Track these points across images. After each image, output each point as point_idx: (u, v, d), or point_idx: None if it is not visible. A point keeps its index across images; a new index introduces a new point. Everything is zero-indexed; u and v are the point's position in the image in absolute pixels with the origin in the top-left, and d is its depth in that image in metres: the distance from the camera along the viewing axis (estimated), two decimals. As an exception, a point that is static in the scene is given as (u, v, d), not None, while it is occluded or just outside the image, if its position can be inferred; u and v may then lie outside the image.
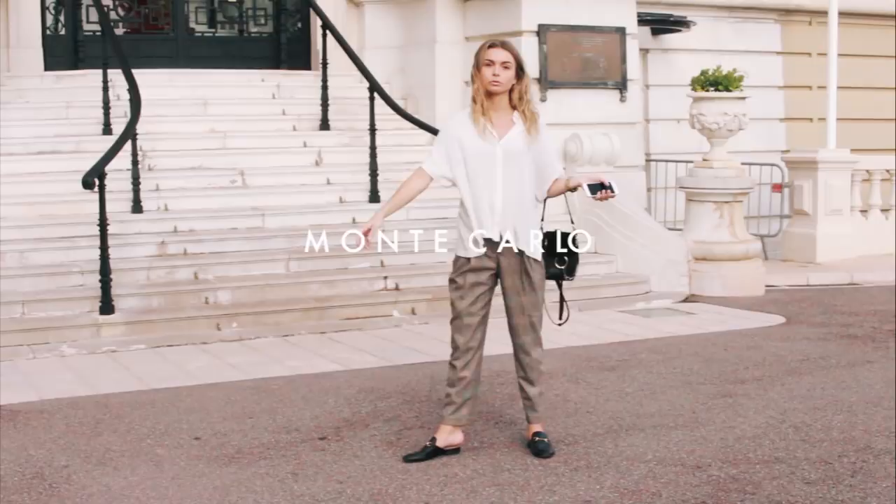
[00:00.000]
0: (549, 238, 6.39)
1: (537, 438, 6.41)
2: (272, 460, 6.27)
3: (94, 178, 9.34)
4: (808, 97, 16.11)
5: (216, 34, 14.25)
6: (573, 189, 6.33)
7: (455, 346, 6.33)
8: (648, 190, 14.24)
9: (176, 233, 10.75)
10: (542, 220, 6.36)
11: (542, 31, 12.51)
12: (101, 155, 9.81)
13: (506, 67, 6.05)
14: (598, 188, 6.21)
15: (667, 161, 14.20)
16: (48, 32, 13.00)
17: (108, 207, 9.51)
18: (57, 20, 13.13)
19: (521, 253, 6.23)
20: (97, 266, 9.47)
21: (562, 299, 6.58)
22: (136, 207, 10.77)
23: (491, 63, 6.04)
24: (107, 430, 6.88)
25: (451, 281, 6.31)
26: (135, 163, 10.69)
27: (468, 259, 6.24)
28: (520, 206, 6.19)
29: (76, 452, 6.44)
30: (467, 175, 6.19)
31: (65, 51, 13.04)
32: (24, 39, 12.61)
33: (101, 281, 9.44)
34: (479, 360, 6.39)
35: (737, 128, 12.39)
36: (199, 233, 10.82)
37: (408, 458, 6.25)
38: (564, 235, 6.44)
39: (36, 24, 12.72)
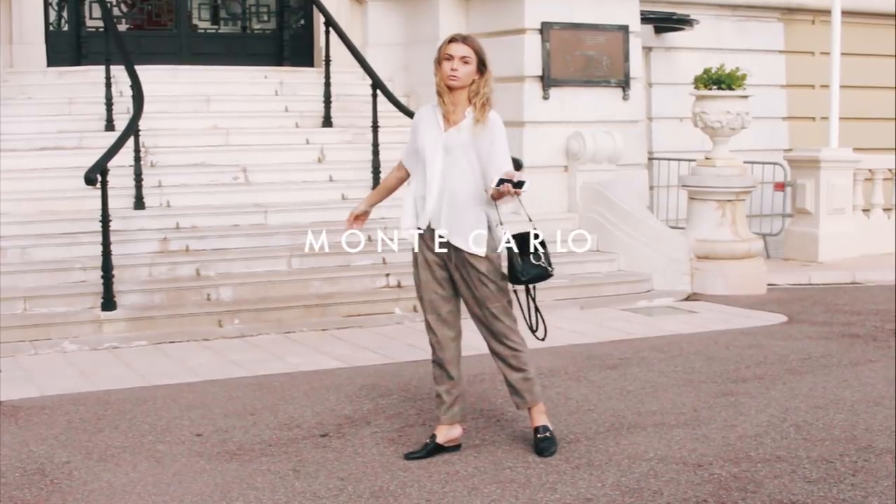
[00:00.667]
0: (518, 240, 6.21)
1: (539, 435, 6.39)
2: (273, 457, 6.27)
3: (97, 175, 9.33)
4: (810, 96, 16.11)
5: (219, 31, 14.24)
6: (497, 198, 6.07)
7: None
8: (651, 188, 14.24)
9: (178, 229, 10.75)
10: (501, 223, 6.18)
11: (544, 28, 12.48)
12: (103, 151, 9.82)
13: (465, 62, 6.00)
14: (504, 182, 5.86)
15: (669, 159, 14.19)
16: (51, 28, 12.99)
17: (111, 204, 9.51)
18: (60, 16, 13.13)
19: (459, 251, 6.13)
20: (99, 262, 9.47)
21: (536, 310, 6.36)
22: (139, 204, 10.77)
23: (450, 58, 6.01)
24: (108, 427, 6.88)
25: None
26: (137, 159, 10.69)
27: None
28: (457, 200, 6.08)
29: (77, 448, 6.45)
30: (419, 165, 6.20)
31: (68, 47, 13.03)
32: (27, 35, 12.60)
33: (102, 277, 9.44)
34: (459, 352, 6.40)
35: (739, 126, 12.38)
36: (201, 229, 10.81)
37: (409, 456, 6.25)
38: (525, 238, 6.23)
39: (39, 19, 12.71)
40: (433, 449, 6.28)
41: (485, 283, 6.15)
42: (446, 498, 5.61)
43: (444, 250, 6.17)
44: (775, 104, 15.93)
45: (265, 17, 14.32)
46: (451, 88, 6.06)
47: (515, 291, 6.32)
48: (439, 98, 6.12)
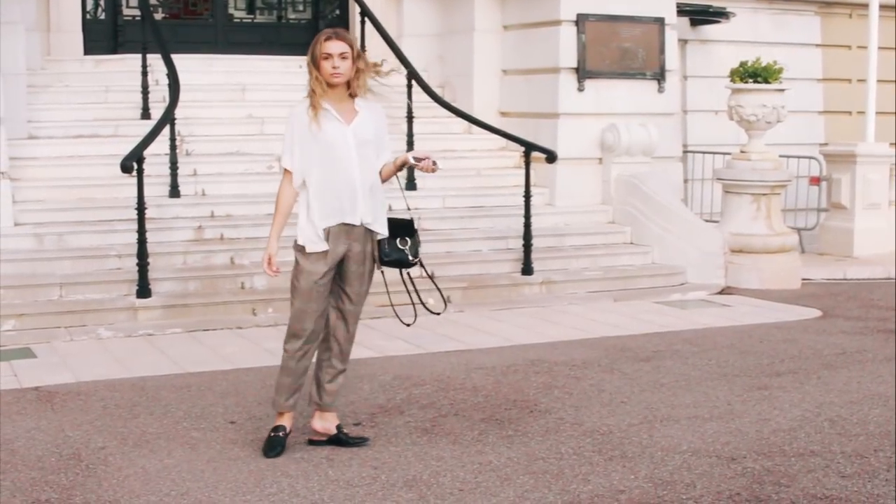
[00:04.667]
0: (392, 224, 6.28)
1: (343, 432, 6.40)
2: (307, 445, 6.28)
3: (133, 163, 9.36)
4: (847, 90, 16.00)
5: (255, 20, 14.29)
6: (402, 167, 6.28)
7: (296, 335, 6.29)
8: (685, 181, 14.17)
9: (213, 217, 10.78)
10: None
11: (580, 20, 12.45)
12: (139, 139, 9.86)
13: (343, 58, 6.00)
14: (424, 159, 6.15)
15: (704, 153, 14.13)
16: (88, 17, 13.04)
17: (146, 192, 9.55)
18: (97, 4, 13.18)
19: (371, 239, 6.18)
20: (134, 250, 9.52)
21: (416, 290, 6.46)
22: (174, 192, 10.81)
23: (329, 56, 6.00)
24: (143, 413, 6.92)
25: (297, 269, 6.23)
26: (173, 147, 10.72)
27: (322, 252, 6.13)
28: (373, 189, 6.14)
29: (113, 434, 6.48)
30: (320, 164, 6.08)
31: (104, 35, 13.09)
32: (65, 24, 12.66)
33: (138, 265, 9.49)
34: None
35: (775, 120, 12.32)
36: (235, 218, 10.84)
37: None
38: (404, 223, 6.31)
39: (76, 8, 12.77)
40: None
41: (370, 280, 6.32)
42: (479, 488, 5.62)
43: (353, 243, 6.15)
44: (811, 98, 15.82)
45: (300, 7, 14.35)
46: (332, 85, 6.04)
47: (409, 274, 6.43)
48: (314, 96, 6.04)
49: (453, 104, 12.54)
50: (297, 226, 6.20)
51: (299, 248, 6.18)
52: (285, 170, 6.24)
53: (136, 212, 9.46)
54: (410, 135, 11.79)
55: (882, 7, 14.18)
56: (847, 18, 16.12)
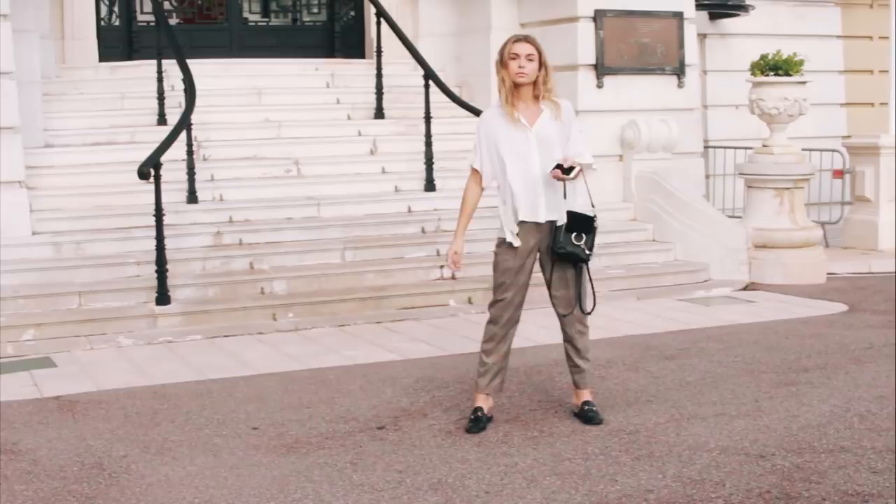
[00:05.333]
0: (573, 217, 6.54)
1: (586, 407, 6.73)
2: (331, 450, 6.24)
3: (150, 169, 9.34)
4: (869, 82, 15.90)
5: (270, 24, 14.26)
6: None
7: (497, 322, 6.63)
8: (707, 177, 14.09)
9: (231, 223, 10.75)
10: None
11: (598, 16, 12.38)
12: (156, 145, 9.82)
13: (530, 60, 6.37)
14: (556, 168, 6.35)
15: (725, 147, 14.05)
16: (102, 23, 13.03)
17: (164, 198, 9.51)
18: (111, 11, 13.18)
19: (558, 230, 6.49)
20: (153, 257, 9.48)
21: (591, 282, 6.74)
22: (192, 198, 10.78)
23: (516, 56, 6.37)
24: (164, 421, 6.88)
25: (495, 260, 6.63)
26: (190, 153, 10.70)
27: (511, 244, 6.52)
28: (556, 187, 6.45)
29: (135, 442, 6.45)
30: (508, 164, 6.47)
31: (119, 41, 13.08)
32: (79, 30, 12.64)
33: (157, 271, 9.45)
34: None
35: (797, 113, 12.22)
36: (254, 223, 10.81)
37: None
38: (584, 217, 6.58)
39: (90, 14, 12.76)
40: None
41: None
42: (505, 490, 5.56)
43: (543, 238, 6.54)
44: (833, 90, 15.72)
45: (315, 9, 14.32)
46: (518, 85, 6.42)
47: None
48: (501, 96, 6.46)
49: (471, 103, 12.47)
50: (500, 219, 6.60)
51: (499, 242, 6.61)
52: (473, 168, 6.65)
53: (153, 218, 9.42)
54: (428, 135, 11.72)
55: (903, -4, 14.07)
56: (868, 9, 16.01)
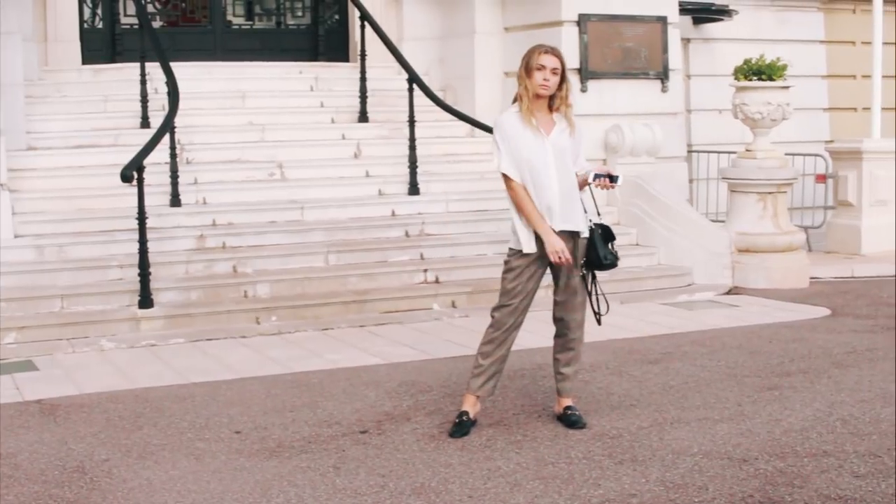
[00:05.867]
0: (603, 228, 6.70)
1: (569, 411, 6.77)
2: (313, 454, 6.23)
3: (133, 172, 9.31)
4: (852, 87, 15.94)
5: (254, 26, 14.25)
6: (586, 182, 6.63)
7: (500, 327, 6.62)
8: (690, 181, 14.10)
9: (214, 226, 10.72)
10: (586, 211, 6.66)
11: (582, 21, 12.39)
12: (139, 148, 9.80)
13: (554, 73, 6.42)
14: (601, 177, 6.53)
15: (709, 152, 14.08)
16: (86, 26, 13.00)
17: (147, 201, 9.49)
18: (94, 13, 13.15)
19: (576, 237, 6.57)
20: (136, 260, 9.46)
21: (600, 293, 6.81)
22: (175, 201, 10.75)
23: (542, 68, 6.41)
24: (147, 424, 6.85)
25: (507, 266, 6.65)
26: (173, 156, 10.66)
27: (522, 251, 6.56)
28: (571, 195, 6.52)
29: (116, 446, 6.42)
30: (524, 171, 6.51)
31: (102, 44, 13.05)
32: (62, 33, 12.60)
33: (139, 275, 9.42)
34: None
35: (780, 117, 12.25)
36: (237, 226, 10.78)
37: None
38: (603, 228, 6.73)
39: (73, 17, 12.72)
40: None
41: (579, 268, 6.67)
42: (488, 494, 5.55)
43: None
44: (816, 95, 15.77)
45: (300, 13, 14.31)
46: (538, 97, 6.47)
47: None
48: (521, 104, 6.49)
49: (455, 107, 12.48)
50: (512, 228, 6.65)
51: (511, 252, 6.63)
52: (504, 175, 6.57)
53: (136, 221, 9.39)
54: (412, 139, 11.71)
55: (886, 2, 14.08)
56: (850, 14, 16.07)
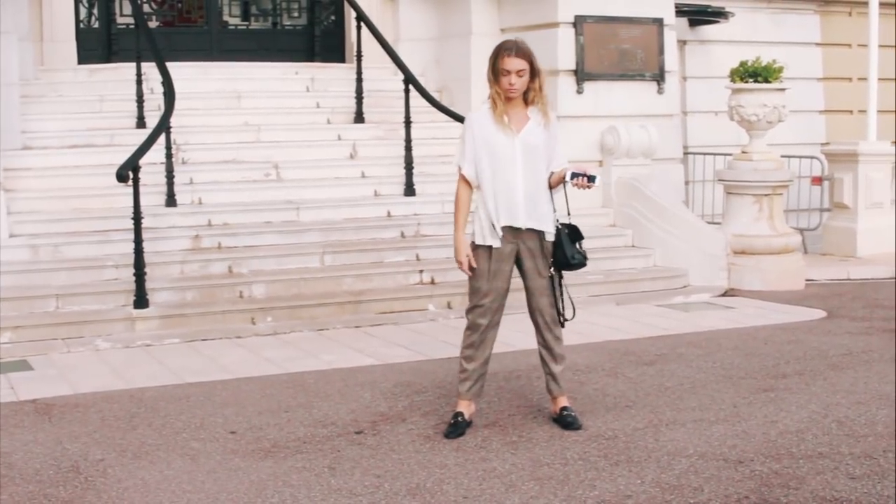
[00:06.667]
0: (570, 227, 6.68)
1: (565, 412, 6.73)
2: (309, 454, 6.22)
3: (129, 172, 9.29)
4: (847, 89, 15.95)
5: (250, 27, 14.22)
6: (562, 180, 6.56)
7: (475, 329, 6.63)
8: (686, 183, 14.11)
9: (210, 226, 10.71)
10: (554, 210, 6.63)
11: (578, 22, 12.39)
12: (134, 148, 9.78)
13: (520, 75, 6.38)
14: (579, 176, 6.44)
15: (705, 154, 14.08)
16: (81, 26, 12.97)
17: (142, 201, 9.47)
18: (90, 13, 13.11)
19: (542, 236, 6.56)
20: (131, 260, 9.44)
21: (560, 293, 6.76)
22: (170, 201, 10.74)
23: (507, 73, 6.36)
24: (142, 424, 6.84)
25: (470, 268, 6.58)
26: (169, 156, 10.66)
27: (489, 247, 6.53)
28: (538, 194, 6.50)
29: (111, 446, 6.41)
30: (491, 168, 6.48)
31: (98, 44, 13.02)
32: (58, 33, 12.58)
33: (135, 275, 9.40)
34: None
35: (776, 119, 12.25)
36: (233, 226, 10.77)
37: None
38: (571, 228, 6.71)
39: (69, 17, 12.70)
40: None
41: (548, 271, 6.64)
42: (484, 495, 5.54)
43: (521, 242, 6.56)
44: (812, 97, 15.78)
45: (296, 13, 14.28)
46: (509, 99, 6.44)
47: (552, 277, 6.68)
48: (494, 105, 6.46)
49: (451, 108, 12.46)
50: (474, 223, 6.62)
51: (473, 247, 6.57)
52: (461, 171, 6.61)
53: (132, 221, 9.38)
54: (408, 140, 11.70)
55: (882, 5, 14.10)
56: (846, 17, 16.09)
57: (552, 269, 6.63)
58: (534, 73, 6.42)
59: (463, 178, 6.60)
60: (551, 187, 6.58)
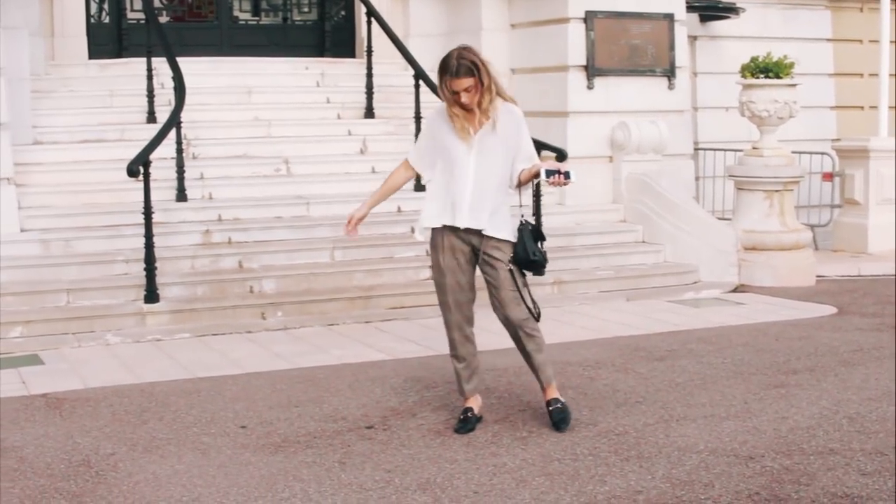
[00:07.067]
0: (533, 227, 6.57)
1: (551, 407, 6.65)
2: (319, 449, 6.22)
3: (139, 167, 9.29)
4: (858, 85, 15.91)
5: (260, 22, 14.21)
6: (535, 177, 6.45)
7: (449, 327, 6.64)
8: (697, 179, 14.08)
9: (220, 221, 10.72)
10: (521, 205, 6.50)
11: (589, 17, 12.36)
12: (145, 143, 9.78)
13: (468, 91, 6.21)
14: (554, 173, 6.29)
15: (715, 150, 14.05)
16: (92, 21, 12.99)
17: (153, 196, 9.47)
18: (101, 8, 13.12)
19: (483, 238, 6.44)
20: (142, 254, 9.45)
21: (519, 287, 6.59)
22: (181, 196, 10.76)
23: (455, 93, 6.23)
24: (152, 419, 6.85)
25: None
26: (179, 151, 10.67)
27: (442, 239, 6.47)
28: (486, 195, 6.36)
29: (122, 440, 6.41)
30: (440, 168, 6.43)
31: (109, 39, 13.03)
32: (69, 28, 12.59)
33: (145, 269, 9.41)
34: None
35: (787, 115, 12.22)
36: (243, 221, 10.78)
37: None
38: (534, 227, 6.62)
39: (80, 12, 12.71)
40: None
41: (504, 267, 6.45)
42: (494, 490, 5.54)
43: (473, 239, 6.45)
44: (823, 93, 15.73)
45: (306, 8, 14.28)
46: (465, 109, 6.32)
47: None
48: (450, 109, 6.34)
49: (461, 104, 12.43)
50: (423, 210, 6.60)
51: (430, 244, 6.58)
52: (407, 161, 6.64)
53: (142, 216, 9.38)
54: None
55: (893, 0, 14.04)
56: (858, 12, 16.04)
57: (510, 264, 6.47)
58: (483, 80, 6.22)
59: (406, 163, 6.62)
60: (521, 184, 6.48)
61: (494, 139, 6.33)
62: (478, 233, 6.41)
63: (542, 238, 6.55)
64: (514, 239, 6.42)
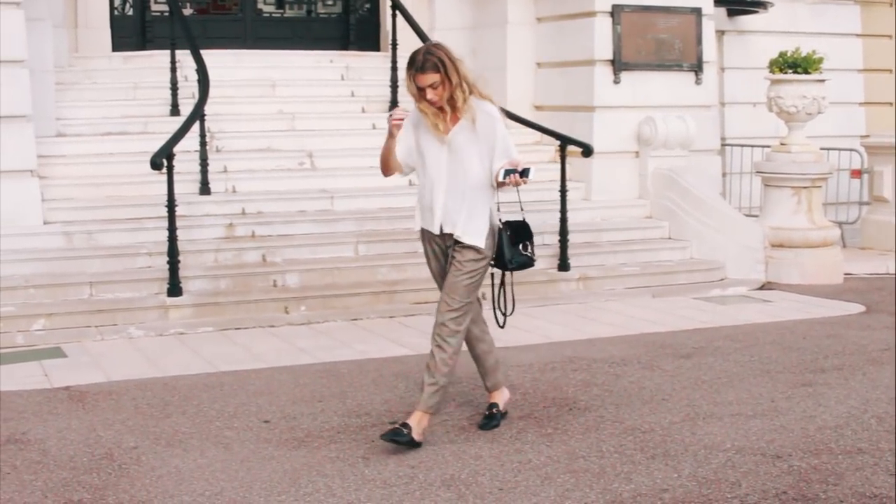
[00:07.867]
0: (513, 227, 6.40)
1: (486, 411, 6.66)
2: (342, 444, 6.19)
3: (163, 159, 9.27)
4: (888, 81, 15.79)
5: (284, 15, 14.19)
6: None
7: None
8: (724, 175, 13.97)
9: (244, 215, 10.69)
10: (499, 204, 6.38)
11: (615, 11, 12.28)
12: (168, 136, 9.77)
13: (434, 88, 6.07)
14: (512, 172, 6.05)
15: (742, 145, 13.95)
16: (116, 13, 12.98)
17: (176, 189, 9.43)
18: (125, 1, 13.11)
19: (504, 245, 6.34)
20: (165, 248, 9.42)
21: (505, 296, 6.63)
22: (204, 189, 10.73)
23: (421, 90, 6.10)
24: (175, 412, 6.83)
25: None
26: (203, 144, 10.65)
27: (428, 242, 6.42)
28: (461, 197, 6.20)
29: (145, 434, 6.40)
30: (419, 168, 6.36)
31: (133, 31, 13.04)
32: (93, 20, 12.59)
33: (168, 263, 9.39)
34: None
35: (816, 111, 12.12)
36: (267, 215, 10.75)
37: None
38: (518, 226, 6.43)
39: (104, 4, 12.71)
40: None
41: (464, 273, 6.27)
42: (518, 487, 5.50)
43: (448, 241, 6.32)
44: (852, 89, 15.60)
45: (330, 1, 14.25)
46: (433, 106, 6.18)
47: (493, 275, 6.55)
48: (426, 116, 6.19)
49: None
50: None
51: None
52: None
53: (166, 209, 9.36)
54: (444, 130, 11.65)
55: (924, -4, 13.97)
56: (887, 7, 15.90)
57: (493, 266, 6.41)
58: (451, 78, 6.05)
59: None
60: (498, 186, 6.23)
61: (470, 137, 6.14)
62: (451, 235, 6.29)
63: (529, 236, 6.40)
64: (483, 244, 6.22)
